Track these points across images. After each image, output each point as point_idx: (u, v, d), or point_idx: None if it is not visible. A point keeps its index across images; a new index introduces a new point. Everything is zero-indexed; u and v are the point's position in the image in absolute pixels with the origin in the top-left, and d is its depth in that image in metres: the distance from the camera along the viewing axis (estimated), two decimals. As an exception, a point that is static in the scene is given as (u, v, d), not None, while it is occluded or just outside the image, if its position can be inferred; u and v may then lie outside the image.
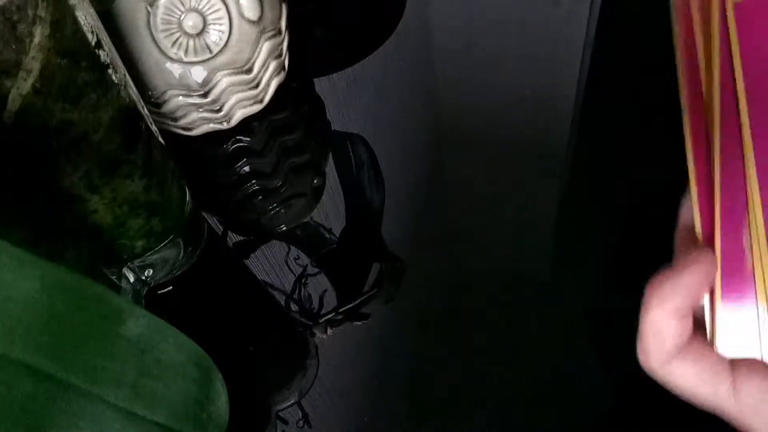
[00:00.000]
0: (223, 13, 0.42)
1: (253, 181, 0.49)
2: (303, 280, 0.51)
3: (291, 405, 0.48)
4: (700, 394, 0.22)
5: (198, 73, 0.43)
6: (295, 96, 0.52)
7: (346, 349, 0.55)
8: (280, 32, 0.46)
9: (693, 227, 0.23)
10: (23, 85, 0.27)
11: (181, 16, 0.42)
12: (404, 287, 0.53)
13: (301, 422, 0.48)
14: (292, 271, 0.51)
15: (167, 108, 0.44)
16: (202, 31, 0.42)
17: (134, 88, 0.35)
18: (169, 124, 0.46)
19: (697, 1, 0.22)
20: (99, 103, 0.31)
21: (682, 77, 0.23)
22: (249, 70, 0.45)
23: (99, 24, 0.32)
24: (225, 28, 0.42)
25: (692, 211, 0.23)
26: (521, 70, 0.76)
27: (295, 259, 0.52)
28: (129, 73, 0.35)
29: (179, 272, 0.43)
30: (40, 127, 0.28)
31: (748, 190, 0.22)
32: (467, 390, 0.55)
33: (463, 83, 0.78)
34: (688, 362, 0.22)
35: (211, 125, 0.47)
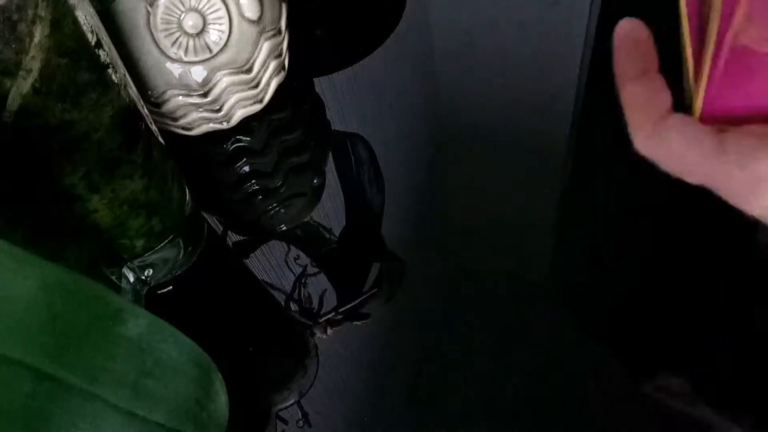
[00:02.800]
0: (223, 12, 0.42)
1: (253, 181, 0.49)
2: (303, 280, 0.51)
3: (291, 405, 0.48)
4: (689, 155, 0.22)
5: (198, 73, 0.43)
6: (295, 96, 0.52)
7: (346, 349, 0.55)
8: (280, 32, 0.46)
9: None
10: (23, 85, 0.27)
11: (181, 15, 0.41)
12: (404, 287, 0.53)
13: (301, 422, 0.48)
14: (292, 271, 0.51)
15: (167, 108, 0.44)
16: (202, 31, 0.42)
17: (134, 88, 0.35)
18: (169, 124, 0.46)
19: None
20: (99, 102, 0.31)
21: None
22: (249, 70, 0.45)
23: (99, 24, 0.31)
24: (225, 27, 0.42)
25: None
26: (521, 69, 0.76)
27: (295, 258, 0.52)
28: (129, 73, 0.35)
29: (179, 272, 0.43)
30: (40, 127, 0.28)
31: None
32: (467, 390, 0.55)
33: (463, 83, 0.78)
34: (676, 126, 0.23)
35: (211, 125, 0.47)
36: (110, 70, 0.32)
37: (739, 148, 0.22)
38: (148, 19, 0.41)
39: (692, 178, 0.23)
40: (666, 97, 0.23)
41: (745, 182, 0.22)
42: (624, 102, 0.24)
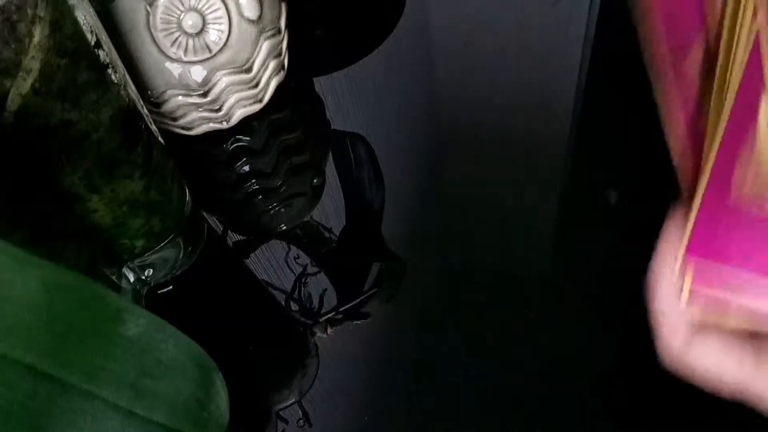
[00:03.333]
0: (222, 12, 0.42)
1: (253, 181, 0.49)
2: (303, 280, 0.51)
3: (291, 405, 0.48)
4: (727, 370, 0.22)
5: (197, 73, 0.43)
6: (294, 95, 0.52)
7: (346, 349, 0.55)
8: (279, 31, 0.46)
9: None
10: (23, 85, 0.27)
11: (180, 15, 0.41)
12: (404, 287, 0.53)
13: (301, 422, 0.48)
14: (292, 271, 0.51)
15: (167, 108, 0.44)
16: (202, 31, 0.42)
17: (134, 88, 0.35)
18: (169, 124, 0.46)
19: None
20: (99, 102, 0.31)
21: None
22: (248, 70, 0.45)
23: (98, 24, 0.32)
24: (224, 27, 0.42)
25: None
26: (521, 69, 0.76)
27: (295, 258, 0.52)
28: (129, 73, 0.35)
29: (179, 272, 0.43)
30: (40, 127, 0.28)
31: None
32: (467, 390, 0.55)
33: (463, 83, 0.78)
34: (710, 341, 0.22)
35: (211, 125, 0.47)
36: (110, 70, 0.32)
37: None
38: (148, 19, 0.41)
39: (730, 394, 0.22)
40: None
41: None
42: (654, 311, 0.23)
